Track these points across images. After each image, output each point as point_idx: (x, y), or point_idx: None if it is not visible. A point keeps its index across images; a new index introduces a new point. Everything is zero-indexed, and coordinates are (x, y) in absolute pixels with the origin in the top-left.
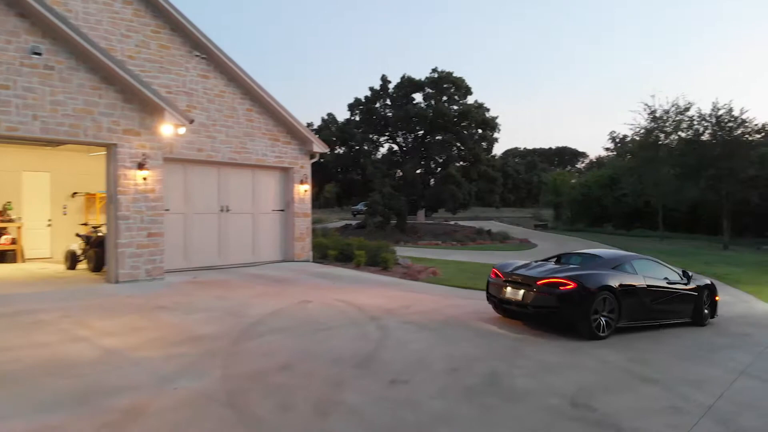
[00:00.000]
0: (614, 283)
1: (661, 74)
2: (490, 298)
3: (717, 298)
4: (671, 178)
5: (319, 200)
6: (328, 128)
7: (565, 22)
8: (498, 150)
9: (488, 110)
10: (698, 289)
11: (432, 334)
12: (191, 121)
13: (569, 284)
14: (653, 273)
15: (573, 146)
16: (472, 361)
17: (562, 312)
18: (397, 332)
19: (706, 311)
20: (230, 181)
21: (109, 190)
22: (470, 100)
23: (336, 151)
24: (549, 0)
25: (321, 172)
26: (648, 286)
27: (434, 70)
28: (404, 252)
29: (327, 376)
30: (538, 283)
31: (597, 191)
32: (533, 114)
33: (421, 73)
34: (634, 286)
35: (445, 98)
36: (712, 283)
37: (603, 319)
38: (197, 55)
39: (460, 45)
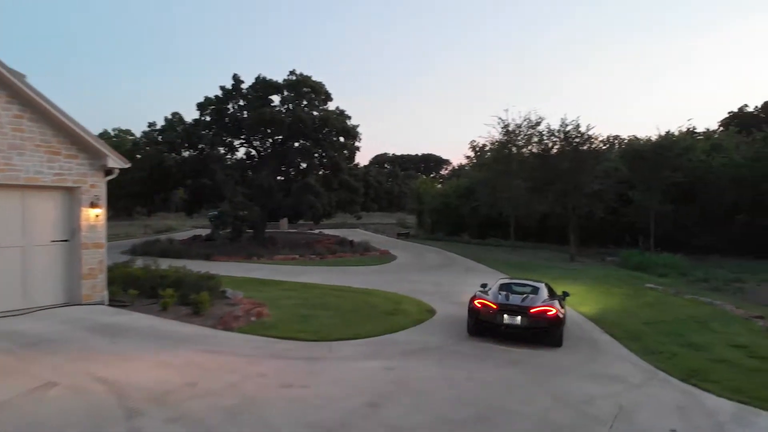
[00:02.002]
0: (562, 305)
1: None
2: (481, 323)
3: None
4: (522, 191)
5: (174, 206)
6: (173, 129)
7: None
8: (367, 155)
9: (349, 118)
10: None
11: None
12: None
13: (552, 310)
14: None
15: (438, 153)
16: None
17: (550, 330)
18: None
19: None
20: None
21: None
22: (331, 106)
23: (183, 155)
24: (415, 6)
25: (167, 178)
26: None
27: (292, 73)
28: (252, 272)
29: None
30: (531, 311)
31: (455, 200)
32: (404, 120)
33: (278, 76)
34: (563, 306)
35: (305, 103)
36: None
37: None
38: None
39: (323, 51)
